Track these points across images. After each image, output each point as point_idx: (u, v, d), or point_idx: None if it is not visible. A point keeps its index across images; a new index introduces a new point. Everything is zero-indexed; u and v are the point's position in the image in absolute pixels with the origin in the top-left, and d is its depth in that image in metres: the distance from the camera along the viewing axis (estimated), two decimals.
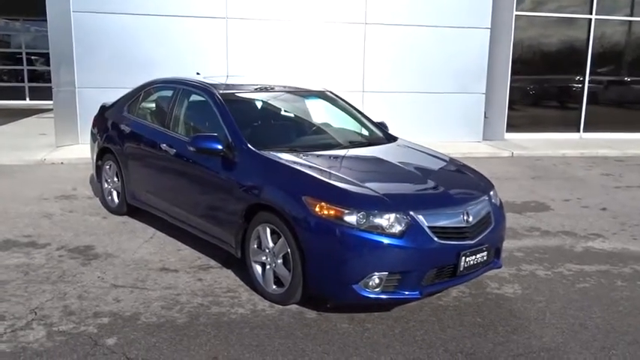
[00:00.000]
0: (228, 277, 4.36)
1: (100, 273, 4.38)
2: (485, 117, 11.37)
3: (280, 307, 3.86)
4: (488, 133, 11.46)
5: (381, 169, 4.29)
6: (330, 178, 3.75)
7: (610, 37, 12.44)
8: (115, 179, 5.81)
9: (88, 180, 7.48)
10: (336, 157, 4.34)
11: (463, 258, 3.63)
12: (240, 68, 9.72)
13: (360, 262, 3.44)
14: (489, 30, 10.96)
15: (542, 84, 12.52)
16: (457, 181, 4.19)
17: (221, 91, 4.73)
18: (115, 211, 5.87)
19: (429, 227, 3.54)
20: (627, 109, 12.98)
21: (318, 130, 5.01)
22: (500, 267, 4.18)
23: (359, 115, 5.28)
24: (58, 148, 9.38)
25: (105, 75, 9.50)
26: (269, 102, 5.07)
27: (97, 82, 9.50)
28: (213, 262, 4.65)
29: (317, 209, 3.52)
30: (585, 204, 7.06)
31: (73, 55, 9.49)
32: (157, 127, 5.11)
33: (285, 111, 5.14)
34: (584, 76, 12.25)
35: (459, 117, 11.10)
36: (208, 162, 4.36)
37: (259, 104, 4.98)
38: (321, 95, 5.39)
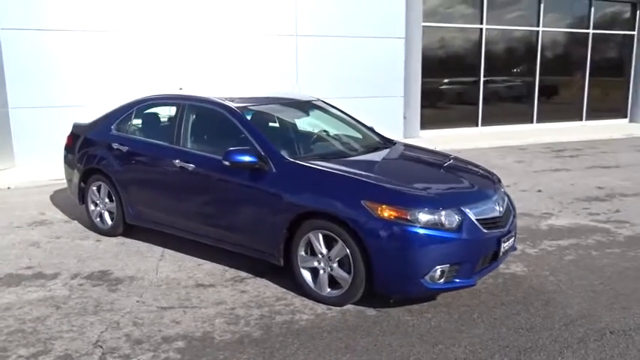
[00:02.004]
0: (267, 286, 4.19)
1: (136, 297, 4.01)
2: (404, 117, 11.85)
3: (337, 308, 3.79)
4: (407, 132, 11.96)
5: (413, 170, 4.35)
6: (381, 182, 3.74)
7: (498, 43, 13.50)
8: (107, 200, 5.32)
9: (51, 203, 6.78)
10: (364, 162, 4.34)
11: (502, 244, 3.80)
12: (183, 81, 9.29)
13: (426, 258, 3.48)
14: (404, 40, 11.42)
15: (447, 86, 13.27)
16: (479, 176, 4.35)
17: (236, 105, 4.52)
18: (108, 232, 5.39)
19: (477, 220, 3.67)
20: (513, 103, 14.16)
21: (331, 137, 4.96)
22: (515, 250, 4.41)
23: (353, 121, 5.30)
24: None
25: (40, 94, 8.63)
26: (279, 113, 4.92)
27: (32, 101, 8.61)
28: (243, 274, 4.44)
29: (379, 212, 3.51)
30: (522, 188, 7.62)
31: (3, 74, 8.50)
32: (164, 144, 4.75)
33: (294, 121, 5.02)
34: (479, 77, 13.19)
35: (383, 118, 11.41)
36: (238, 175, 4.16)
37: (272, 116, 4.82)
38: (316, 104, 5.34)
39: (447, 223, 3.53)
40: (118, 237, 5.37)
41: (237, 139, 4.35)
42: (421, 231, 3.46)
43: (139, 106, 5.20)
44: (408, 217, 3.48)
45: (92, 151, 5.40)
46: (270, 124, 4.77)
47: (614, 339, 3.37)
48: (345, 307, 3.79)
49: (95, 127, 5.55)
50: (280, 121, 4.90)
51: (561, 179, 8.28)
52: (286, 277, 4.27)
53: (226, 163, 4.05)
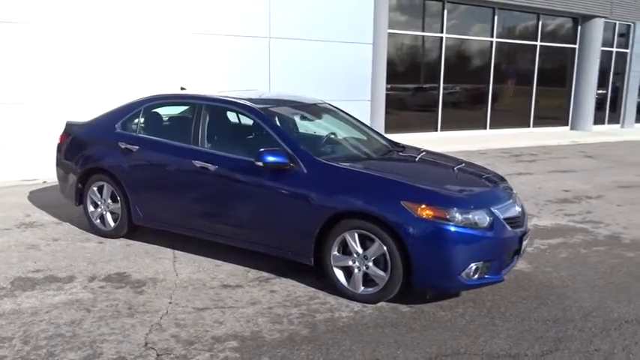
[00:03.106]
0: (295, 286, 4.25)
1: (167, 299, 3.96)
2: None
3: (372, 305, 3.91)
4: None
5: (437, 172, 4.52)
6: (417, 183, 3.91)
7: (457, 52, 14.09)
8: (110, 201, 5.18)
9: (32, 204, 6.48)
10: (389, 164, 4.50)
11: (523, 242, 4.07)
12: (161, 81, 9.10)
13: (462, 255, 3.68)
14: (372, 45, 11.70)
15: (410, 91, 13.70)
16: (494, 178, 4.60)
17: (259, 106, 4.55)
18: (110, 234, 5.24)
19: (504, 219, 3.91)
20: (469, 110, 14.80)
21: (347, 139, 5.06)
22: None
23: (360, 124, 5.44)
24: None
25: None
26: (294, 115, 4.97)
27: None
28: (265, 274, 4.47)
29: (419, 212, 3.67)
30: None
31: None
32: (180, 144, 4.69)
33: (310, 123, 5.09)
34: (439, 84, 13.71)
35: None
36: (266, 176, 4.20)
37: (292, 118, 4.88)
38: (324, 106, 5.44)
39: (480, 222, 3.74)
40: (121, 239, 5.24)
41: (263, 141, 4.38)
42: (459, 230, 3.65)
43: (147, 105, 5.10)
44: (447, 217, 3.66)
45: (93, 150, 5.24)
46: (294, 126, 4.82)
47: (632, 327, 3.69)
48: (379, 305, 3.92)
49: (94, 125, 5.38)
50: (303, 123, 4.96)
51: (528, 182, 8.79)
52: (310, 276, 4.35)
53: (259, 163, 4.08)
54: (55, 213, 6.13)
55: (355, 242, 3.89)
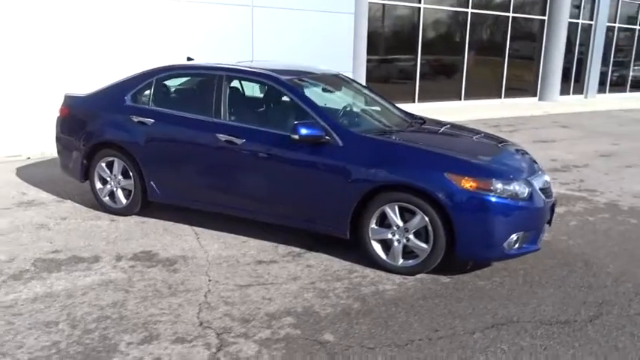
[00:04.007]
0: (330, 260, 4.23)
1: (204, 276, 3.86)
2: None
3: (413, 277, 3.94)
4: None
5: (470, 144, 4.50)
6: (459, 155, 3.92)
7: (434, 23, 14.10)
8: (121, 177, 4.97)
9: (23, 181, 6.17)
10: (422, 136, 4.48)
11: (554, 211, 4.16)
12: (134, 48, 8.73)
13: (505, 226, 3.73)
14: (354, 15, 11.56)
15: (389, 63, 13.66)
16: (521, 150, 4.65)
17: (286, 78, 4.43)
18: (121, 211, 5.05)
19: (540, 189, 3.98)
20: (444, 81, 14.92)
21: (372, 111, 4.99)
22: None
23: (377, 97, 5.38)
24: None
25: None
26: (319, 87, 4.85)
27: None
28: (295, 249, 4.42)
29: (462, 184, 3.69)
30: None
31: None
32: (202, 117, 4.52)
33: (334, 94, 4.99)
34: (416, 55, 13.73)
35: None
36: (299, 149, 4.11)
37: (318, 90, 4.76)
38: (342, 77, 5.35)
39: (520, 192, 3.80)
40: (133, 216, 5.06)
41: (292, 113, 4.28)
42: (501, 201, 3.70)
43: (159, 76, 4.87)
44: (490, 188, 3.69)
45: (100, 124, 4.99)
46: (321, 98, 4.70)
47: None
48: (419, 276, 3.95)
49: (100, 98, 5.12)
50: (328, 96, 4.86)
51: None
52: (340, 249, 4.35)
53: (295, 136, 3.98)
54: (52, 190, 5.85)
55: (395, 215, 3.89)
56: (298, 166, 4.15)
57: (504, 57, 15.82)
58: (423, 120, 5.07)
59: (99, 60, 8.38)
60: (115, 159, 4.94)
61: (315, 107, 4.20)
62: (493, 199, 3.67)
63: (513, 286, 3.86)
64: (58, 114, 5.37)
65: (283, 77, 4.42)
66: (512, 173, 3.88)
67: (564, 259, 4.40)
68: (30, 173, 6.58)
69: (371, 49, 12.51)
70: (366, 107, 5.05)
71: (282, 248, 4.43)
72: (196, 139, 4.52)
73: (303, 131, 3.97)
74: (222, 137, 4.38)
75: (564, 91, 17.67)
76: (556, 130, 11.88)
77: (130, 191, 4.97)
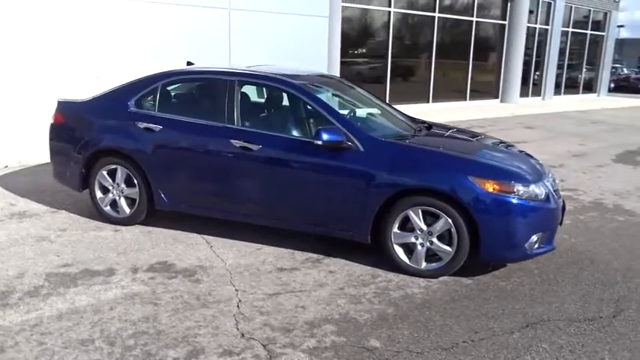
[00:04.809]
0: (349, 265, 4.23)
1: (230, 286, 3.80)
2: None
3: (437, 280, 4.00)
4: None
5: (484, 148, 4.57)
6: (481, 159, 4.00)
7: (404, 27, 14.32)
8: (124, 185, 4.82)
9: (7, 191, 5.89)
10: (438, 140, 4.54)
11: (564, 211, 4.32)
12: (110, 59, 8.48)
13: (527, 227, 3.84)
14: (328, 18, 11.61)
15: (361, 65, 13.78)
16: (527, 153, 4.79)
17: (299, 82, 4.41)
18: (123, 221, 4.89)
19: (553, 191, 4.12)
20: (413, 84, 15.18)
21: (382, 116, 5.00)
22: None
23: (378, 101, 5.43)
24: None
25: None
26: (332, 92, 4.83)
27: None
28: (311, 255, 4.41)
29: (486, 186, 3.77)
30: None
31: None
32: (214, 123, 4.43)
33: (342, 98, 4.98)
34: (387, 58, 13.92)
35: None
36: (319, 155, 4.10)
37: (329, 95, 4.74)
38: (346, 83, 5.36)
39: (539, 194, 3.92)
40: (136, 226, 4.91)
41: (308, 118, 4.27)
42: (523, 202, 3.80)
43: (165, 81, 4.75)
44: (513, 190, 3.80)
45: (102, 131, 4.82)
46: (335, 103, 4.69)
47: None
48: (442, 279, 4.01)
49: (99, 104, 4.95)
50: (340, 101, 4.85)
51: None
52: (357, 253, 4.37)
53: (318, 142, 3.97)
54: (42, 200, 5.61)
55: (419, 218, 3.93)
56: (318, 172, 4.14)
57: (469, 60, 16.24)
58: (427, 123, 5.14)
59: (74, 64, 8.10)
60: (118, 167, 4.78)
61: (334, 112, 4.20)
62: (516, 201, 3.78)
63: (533, 286, 3.97)
64: (51, 120, 5.14)
65: (297, 82, 4.40)
66: (530, 175, 4.00)
67: (572, 257, 4.56)
68: (13, 183, 6.28)
69: (344, 51, 12.59)
70: (375, 111, 5.07)
71: (299, 254, 4.40)
72: (208, 145, 4.43)
73: (326, 136, 3.96)
74: (237, 143, 4.31)
75: (523, 93, 18.31)
76: (523, 131, 12.29)
77: (134, 200, 4.82)
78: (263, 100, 4.85)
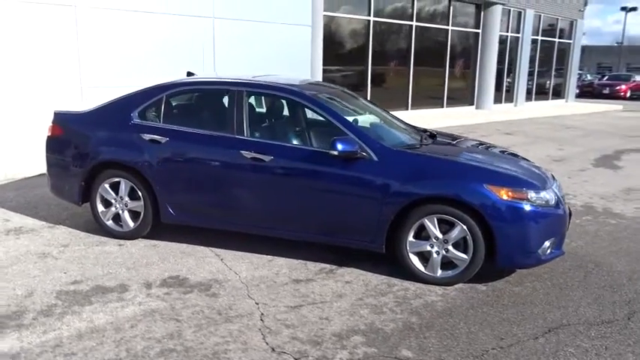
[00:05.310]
0: (363, 275, 4.23)
1: (249, 300, 3.75)
2: None
3: (452, 287, 4.03)
4: None
5: (492, 157, 4.62)
6: (494, 168, 4.06)
7: (384, 35, 14.46)
8: (128, 199, 4.72)
9: None
10: (448, 149, 4.59)
11: (571, 217, 4.42)
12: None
13: (541, 233, 3.91)
14: (311, 27, 11.65)
15: (342, 72, 13.84)
16: (524, 159, 4.88)
17: (310, 93, 4.40)
18: (127, 235, 4.78)
19: (561, 197, 4.22)
20: (394, 91, 15.31)
21: (389, 125, 5.02)
22: None
23: (379, 109, 5.46)
24: None
25: None
26: (340, 102, 4.82)
27: None
28: (324, 265, 4.39)
29: (502, 194, 3.83)
30: None
31: None
32: (223, 134, 4.38)
33: (353, 109, 4.97)
34: (367, 66, 14.03)
35: None
36: (332, 165, 4.10)
37: (339, 105, 4.73)
38: (349, 92, 5.37)
39: (550, 201, 4.00)
40: (141, 240, 4.81)
41: (320, 129, 4.26)
42: (537, 209, 3.88)
43: (170, 92, 4.67)
44: (527, 197, 3.87)
45: (103, 143, 4.71)
46: (346, 114, 4.68)
47: None
48: (457, 286, 4.05)
49: (100, 115, 4.84)
50: (349, 111, 4.85)
51: None
52: (368, 263, 4.39)
53: (334, 152, 3.97)
54: (36, 215, 5.44)
55: (435, 227, 3.96)
56: (331, 182, 4.13)
57: (445, 68, 16.51)
58: (428, 132, 5.19)
59: (57, 75, 7.91)
60: (122, 180, 4.68)
61: (346, 123, 4.21)
62: (530, 208, 3.85)
63: (547, 290, 4.04)
64: (48, 133, 5.00)
65: (308, 92, 4.39)
66: (541, 182, 4.08)
67: (576, 261, 4.67)
68: (1, 198, 6.07)
69: (326, 59, 12.64)
70: (380, 120, 5.10)
71: (312, 265, 4.38)
72: (218, 156, 4.38)
73: (341, 146, 3.97)
74: (248, 154, 4.27)
75: (497, 99, 18.70)
76: (503, 137, 12.53)
77: (137, 213, 4.72)
78: (273, 111, 4.82)
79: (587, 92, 29.87)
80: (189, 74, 5.40)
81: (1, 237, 4.84)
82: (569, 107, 21.05)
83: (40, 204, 5.81)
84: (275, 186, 4.27)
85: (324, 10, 12.28)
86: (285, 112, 4.78)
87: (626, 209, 6.43)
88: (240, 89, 4.47)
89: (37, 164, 7.28)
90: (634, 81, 30.38)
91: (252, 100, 4.48)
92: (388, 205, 4.00)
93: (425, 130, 5.27)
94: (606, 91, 29.55)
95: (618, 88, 29.43)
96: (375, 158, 4.06)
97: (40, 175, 7.17)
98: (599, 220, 5.94)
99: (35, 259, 4.34)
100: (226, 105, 4.49)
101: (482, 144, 5.19)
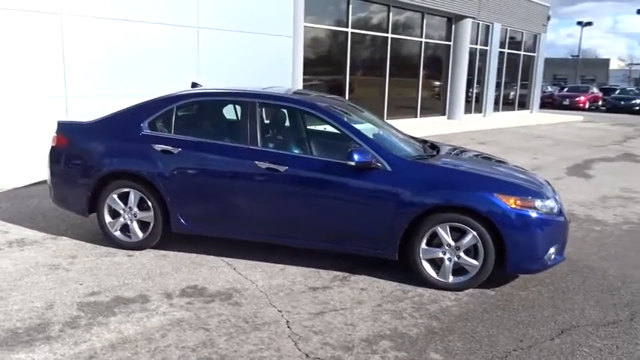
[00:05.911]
0: (377, 282, 4.36)
1: (272, 307, 3.82)
2: None
3: (463, 292, 4.20)
4: None
5: (496, 167, 4.82)
6: (503, 178, 4.27)
7: (361, 47, 14.72)
8: (137, 209, 4.72)
9: None
10: (457, 160, 4.77)
11: (569, 225, 4.67)
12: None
13: (547, 240, 4.13)
14: (292, 38, 11.80)
15: (321, 82, 14.01)
16: (524, 169, 5.12)
17: (324, 105, 4.52)
18: (136, 246, 4.78)
19: (562, 206, 4.45)
20: (370, 102, 15.55)
21: (395, 136, 5.16)
22: None
23: (381, 121, 5.62)
24: None
25: None
26: (348, 114, 4.94)
27: None
28: (337, 273, 4.50)
29: (510, 203, 4.04)
30: None
31: None
32: (237, 144, 4.45)
33: (359, 120, 5.09)
34: (345, 76, 14.25)
35: None
36: (346, 175, 4.22)
37: (347, 116, 4.85)
38: (351, 103, 5.51)
39: (554, 209, 4.23)
40: (150, 250, 4.81)
41: (337, 140, 4.38)
42: (543, 217, 4.10)
43: (180, 103, 4.71)
44: (535, 206, 4.08)
45: (113, 153, 4.71)
46: (356, 125, 4.80)
47: None
48: (468, 291, 4.22)
49: (108, 125, 4.83)
50: (360, 122, 4.97)
51: None
52: (380, 269, 4.52)
53: (351, 163, 4.10)
54: (35, 226, 5.37)
55: (447, 234, 4.13)
56: (346, 192, 4.25)
57: (419, 78, 16.89)
58: (429, 142, 5.38)
59: (42, 85, 7.81)
60: (131, 190, 4.68)
61: (360, 134, 4.35)
62: (537, 216, 4.06)
63: (551, 294, 4.26)
64: (52, 143, 4.96)
65: (322, 105, 4.50)
66: (545, 192, 4.31)
67: (571, 266, 4.90)
68: None
69: (306, 69, 12.80)
70: (385, 132, 5.24)
71: (325, 273, 4.48)
72: (232, 167, 4.44)
73: (357, 157, 4.09)
74: (263, 165, 4.35)
75: (467, 110, 19.23)
76: (478, 147, 12.90)
77: (146, 224, 4.72)
78: (285, 122, 4.90)
79: (547, 103, 30.92)
80: (194, 85, 5.44)
81: (5, 249, 4.75)
82: (535, 118, 21.81)
83: (36, 215, 5.72)
84: (289, 196, 4.36)
85: (305, 22, 12.43)
86: (299, 123, 4.86)
87: (607, 216, 6.77)
88: (253, 100, 4.55)
89: (25, 175, 7.15)
90: (592, 93, 31.71)
91: (267, 111, 4.56)
92: (402, 213, 4.15)
93: (425, 141, 5.45)
94: (566, 102, 30.73)
95: (578, 99, 30.66)
96: (389, 168, 4.21)
97: (30, 185, 7.04)
98: (584, 227, 6.24)
99: (46, 271, 4.29)
100: (239, 116, 4.56)
101: (480, 154, 5.41)
